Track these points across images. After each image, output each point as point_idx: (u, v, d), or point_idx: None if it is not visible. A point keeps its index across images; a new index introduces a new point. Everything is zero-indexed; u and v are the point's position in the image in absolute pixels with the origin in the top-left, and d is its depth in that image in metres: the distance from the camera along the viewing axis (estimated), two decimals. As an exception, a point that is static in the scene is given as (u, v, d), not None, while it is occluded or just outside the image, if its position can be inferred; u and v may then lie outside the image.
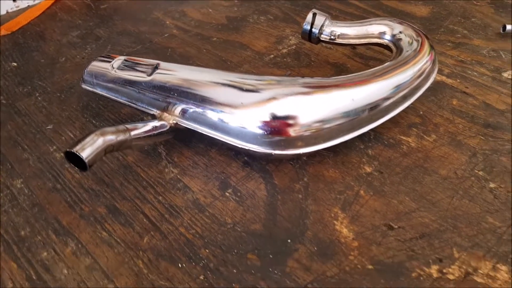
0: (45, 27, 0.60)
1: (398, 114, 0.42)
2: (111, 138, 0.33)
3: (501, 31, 0.54)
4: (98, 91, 0.43)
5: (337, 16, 0.61)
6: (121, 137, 0.34)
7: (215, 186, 0.37)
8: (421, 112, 0.43)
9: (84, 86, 0.44)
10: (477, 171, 0.37)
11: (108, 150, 0.33)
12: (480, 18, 0.58)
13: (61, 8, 0.64)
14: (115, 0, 0.66)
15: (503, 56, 0.51)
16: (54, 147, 0.42)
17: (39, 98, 0.48)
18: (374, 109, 0.37)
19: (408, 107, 0.43)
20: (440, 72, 0.49)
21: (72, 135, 0.43)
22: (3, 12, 0.63)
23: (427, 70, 0.41)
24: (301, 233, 0.33)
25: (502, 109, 0.44)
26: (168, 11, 0.63)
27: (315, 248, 0.32)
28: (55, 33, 0.59)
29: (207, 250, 0.32)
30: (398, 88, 0.39)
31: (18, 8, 0.64)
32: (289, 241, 0.33)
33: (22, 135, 0.43)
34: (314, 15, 0.45)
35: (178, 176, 0.38)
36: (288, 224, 0.34)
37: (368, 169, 0.38)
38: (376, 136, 0.41)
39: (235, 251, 0.32)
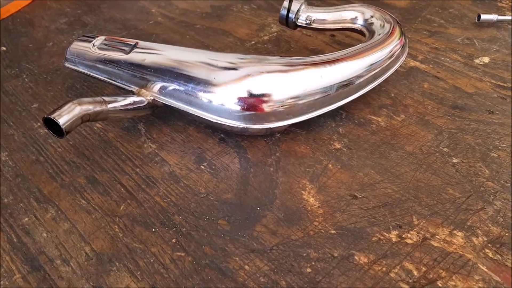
0: (34, 15, 0.62)
1: (370, 96, 0.44)
2: (88, 107, 0.35)
3: (476, 20, 0.56)
4: (80, 69, 0.44)
5: (319, 5, 0.62)
6: (98, 107, 0.36)
7: (191, 160, 0.39)
8: (392, 95, 0.45)
9: (67, 64, 0.45)
10: (441, 148, 0.39)
11: (85, 119, 0.35)
12: (458, 9, 0.60)
13: (51, -4, 0.66)
14: (104, -11, 0.68)
15: (477, 44, 0.53)
16: (39, 124, 0.43)
17: (26, 80, 0.49)
18: (343, 87, 0.39)
19: (380, 90, 0.45)
20: (414, 58, 0.51)
21: (56, 114, 0.45)
22: (-6, -1, 0.65)
23: (397, 52, 0.42)
24: (270, 201, 0.35)
25: (471, 92, 0.45)
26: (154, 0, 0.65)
27: (282, 215, 0.34)
28: (43, 20, 0.60)
29: (180, 217, 0.34)
30: (368, 68, 0.40)
31: (9, -4, 0.66)
32: (258, 209, 0.34)
33: (8, 113, 0.45)
34: (291, 1, 0.47)
35: (156, 151, 0.40)
36: (258, 193, 0.36)
37: (338, 146, 0.40)
38: (347, 116, 0.43)
39: (207, 217, 0.34)
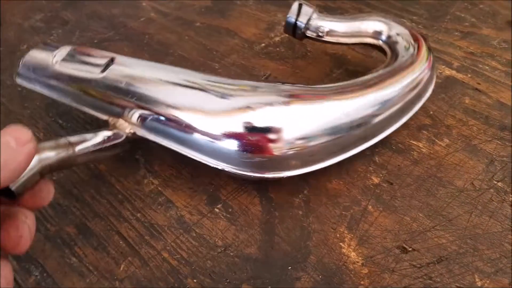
0: (4, 9, 0.53)
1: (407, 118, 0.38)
2: (47, 156, 0.26)
3: None
4: (37, 88, 0.35)
5: (334, 1, 0.55)
6: (62, 153, 0.27)
7: (203, 200, 0.32)
8: (431, 112, 0.39)
9: (19, 80, 0.36)
10: (496, 182, 0.34)
11: (45, 172, 0.26)
12: (488, 4, 0.54)
13: (23, -15, 0.57)
14: (85, -23, 0.59)
15: (515, 48, 0.47)
16: (14, 153, 0.36)
17: (-3, 93, 0.41)
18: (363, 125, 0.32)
19: (417, 110, 0.39)
20: (449, 65, 0.44)
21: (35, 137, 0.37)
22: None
23: (426, 76, 0.36)
24: (303, 258, 0.29)
25: (518, 109, 0.40)
26: (145, -9, 0.57)
27: (320, 277, 0.28)
28: (14, 16, 0.52)
29: (195, 280, 0.28)
30: (387, 103, 0.33)
31: (-27, -15, 0.56)
32: (289, 268, 0.28)
33: (-25, 138, 0.37)
34: (300, 6, 0.39)
35: (159, 188, 0.33)
36: (288, 247, 0.29)
37: (376, 180, 0.34)
38: (383, 141, 0.36)
39: (227, 280, 0.28)
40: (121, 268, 0.29)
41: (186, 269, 0.29)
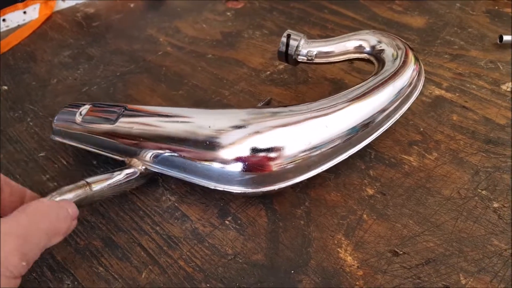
0: (35, 47, 0.59)
1: (398, 131, 0.42)
2: (69, 197, 0.31)
3: (498, 41, 0.54)
4: (68, 142, 0.41)
5: (333, 29, 0.60)
6: (81, 194, 0.32)
7: (214, 214, 0.36)
8: (422, 129, 0.43)
9: (56, 138, 0.41)
10: (480, 191, 0.37)
11: None
12: (477, 28, 0.58)
13: (51, 26, 0.63)
14: (107, 17, 0.65)
15: (501, 67, 0.50)
16: (47, 176, 0.40)
17: (31, 124, 0.47)
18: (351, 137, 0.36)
19: (407, 124, 0.43)
20: (438, 85, 0.48)
21: (65, 162, 0.42)
22: (-7, 32, 0.62)
23: (414, 80, 0.40)
24: (304, 262, 0.32)
25: (503, 124, 0.43)
26: (161, 27, 0.62)
27: (319, 279, 0.31)
28: (46, 53, 0.58)
29: (208, 285, 0.31)
30: (390, 100, 0.37)
31: (8, 28, 0.63)
32: (292, 272, 0.32)
33: (14, 164, 0.42)
34: (289, 36, 0.44)
35: (176, 204, 0.37)
36: (291, 253, 0.33)
37: (370, 191, 0.37)
38: (377, 156, 0.40)
39: (237, 284, 0.31)
40: (143, 276, 0.32)
41: (200, 275, 0.32)
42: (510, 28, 0.57)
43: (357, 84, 0.38)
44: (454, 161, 0.39)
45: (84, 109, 0.40)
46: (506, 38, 0.53)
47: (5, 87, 0.52)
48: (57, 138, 0.41)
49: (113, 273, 0.33)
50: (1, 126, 0.46)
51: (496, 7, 0.63)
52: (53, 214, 0.28)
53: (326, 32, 0.59)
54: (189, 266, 0.33)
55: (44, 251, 0.34)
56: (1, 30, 0.63)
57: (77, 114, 0.40)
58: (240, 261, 0.33)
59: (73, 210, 0.30)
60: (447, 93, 0.47)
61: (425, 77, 0.45)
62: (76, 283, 0.32)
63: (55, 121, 0.41)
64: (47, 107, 0.49)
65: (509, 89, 0.47)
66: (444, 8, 0.63)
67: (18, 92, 0.51)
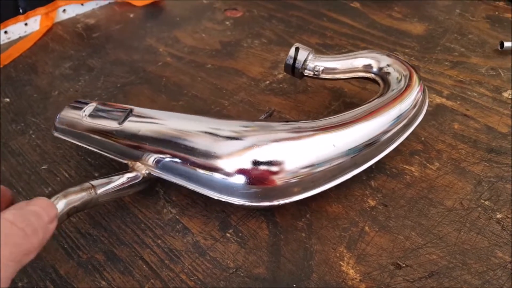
0: (37, 59, 0.59)
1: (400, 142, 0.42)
2: (73, 199, 0.31)
3: (499, 48, 0.54)
4: (70, 139, 0.41)
5: (332, 37, 0.60)
6: (86, 197, 0.32)
7: (215, 226, 0.36)
8: (423, 138, 0.43)
9: (56, 134, 0.42)
10: (483, 201, 0.36)
11: (71, 212, 0.31)
12: (477, 34, 0.58)
13: (52, 38, 0.64)
14: (107, 27, 0.66)
15: (502, 74, 0.50)
16: (50, 189, 0.40)
17: (33, 136, 0.47)
18: (368, 147, 0.36)
19: (409, 133, 0.42)
20: (439, 93, 0.48)
21: (67, 175, 0.42)
22: (-6, 44, 0.62)
23: (419, 101, 0.40)
24: (306, 276, 0.32)
25: (505, 132, 0.43)
26: (160, 37, 0.62)
27: (322, 293, 0.31)
28: (47, 65, 0.58)
29: (210, 299, 0.31)
30: (395, 121, 0.37)
31: (9, 40, 0.63)
32: (294, 286, 0.32)
33: (16, 177, 0.42)
34: (297, 49, 0.44)
35: (177, 217, 0.37)
36: (292, 266, 0.33)
37: (372, 203, 0.37)
38: (378, 166, 0.40)
39: (239, 298, 0.31)
40: (145, 289, 0.32)
41: (202, 288, 0.32)
42: (510, 34, 0.57)
43: (364, 103, 0.39)
44: (456, 171, 0.39)
45: (90, 106, 0.41)
46: (507, 44, 0.53)
47: (7, 99, 0.52)
48: (58, 135, 0.41)
49: (115, 287, 0.33)
50: (3, 139, 0.46)
51: (497, 13, 0.63)
52: (17, 234, 0.24)
53: (325, 40, 0.59)
54: (191, 280, 0.33)
55: (46, 264, 0.34)
56: (3, 42, 0.63)
57: (82, 111, 0.40)
58: (242, 274, 0.33)
59: (49, 212, 0.26)
60: (448, 101, 0.47)
61: (426, 85, 0.44)
62: (78, 298, 0.32)
63: (58, 117, 0.41)
64: (49, 119, 0.49)
65: (510, 97, 0.47)
66: (443, 15, 0.63)
67: (20, 104, 0.51)
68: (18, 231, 0.24)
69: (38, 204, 0.27)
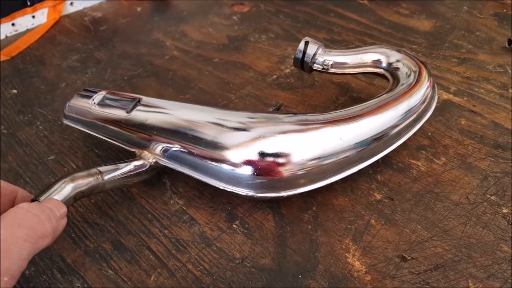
0: (44, 51, 0.60)
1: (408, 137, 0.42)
2: (80, 183, 0.32)
3: (507, 45, 0.54)
4: (79, 127, 0.41)
5: (339, 32, 0.60)
6: (93, 182, 0.33)
7: (222, 218, 0.36)
8: (430, 134, 0.43)
9: (66, 122, 0.42)
10: (489, 196, 0.37)
11: (78, 197, 0.32)
12: (484, 31, 0.57)
13: (60, 31, 0.64)
14: (114, 21, 0.66)
15: (510, 71, 0.50)
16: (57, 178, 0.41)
17: (40, 127, 0.47)
18: (376, 140, 0.36)
19: (417, 129, 0.42)
20: (446, 90, 0.48)
21: (74, 165, 0.42)
22: (2, 36, 0.63)
23: (428, 96, 0.40)
24: (312, 267, 0.32)
25: (511, 128, 0.43)
26: (168, 31, 0.63)
27: (327, 284, 0.31)
28: (54, 57, 0.58)
29: (216, 288, 0.32)
30: (403, 116, 0.37)
31: (17, 32, 0.64)
32: (300, 276, 0.32)
33: (24, 167, 0.42)
34: (307, 43, 0.44)
35: (184, 208, 0.37)
36: (298, 257, 0.33)
37: (378, 196, 0.37)
38: (384, 160, 0.40)
39: (245, 288, 0.31)
40: (152, 279, 0.33)
41: (208, 279, 0.32)
42: (518, 31, 0.57)
43: (373, 98, 0.39)
44: (463, 166, 0.39)
45: (99, 94, 0.41)
46: (515, 41, 0.53)
47: (15, 91, 0.53)
48: (68, 123, 0.42)
49: (122, 276, 0.33)
50: (11, 129, 0.47)
51: (504, 10, 0.62)
52: (32, 218, 0.27)
53: (332, 35, 0.59)
54: (197, 270, 0.33)
55: (53, 253, 0.34)
56: (10, 35, 0.63)
57: (92, 100, 0.41)
58: (248, 265, 0.33)
59: (60, 209, 0.29)
60: (455, 97, 0.47)
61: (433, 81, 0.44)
62: (86, 285, 0.32)
63: (68, 105, 0.42)
64: (56, 111, 0.49)
65: (517, 93, 0.47)
66: (451, 12, 0.63)
67: (27, 96, 0.52)
68: (32, 216, 0.27)
69: (50, 202, 0.30)
